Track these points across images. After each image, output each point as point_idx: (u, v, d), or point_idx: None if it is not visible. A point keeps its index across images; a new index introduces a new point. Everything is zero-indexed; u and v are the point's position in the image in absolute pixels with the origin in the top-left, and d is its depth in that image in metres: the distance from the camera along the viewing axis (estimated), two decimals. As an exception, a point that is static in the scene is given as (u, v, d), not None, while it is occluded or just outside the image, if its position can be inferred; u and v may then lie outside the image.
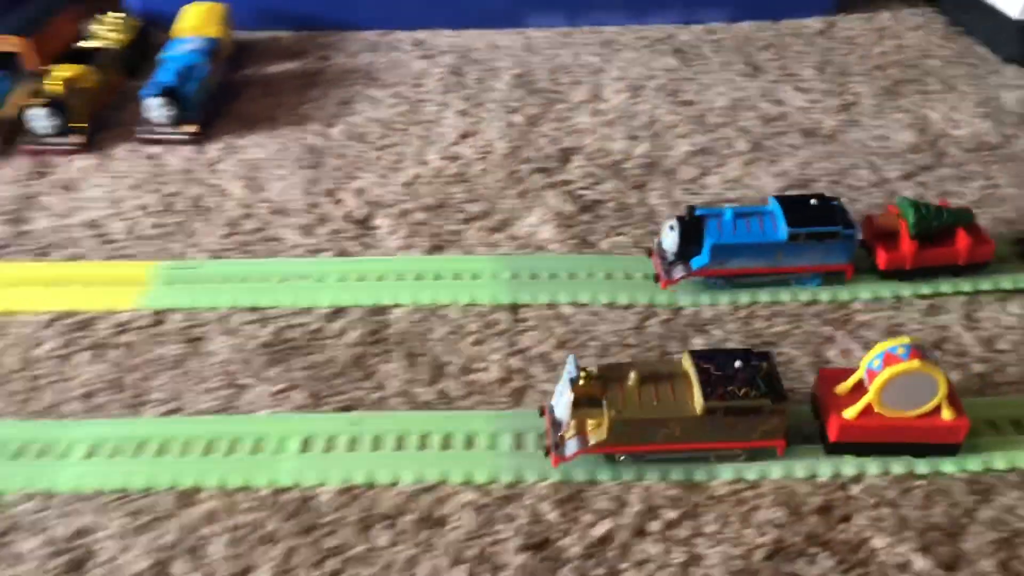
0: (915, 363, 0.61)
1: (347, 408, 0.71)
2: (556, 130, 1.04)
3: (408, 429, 0.68)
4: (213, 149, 1.00)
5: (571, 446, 0.63)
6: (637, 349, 0.76)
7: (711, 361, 0.63)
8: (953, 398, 0.64)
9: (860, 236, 0.80)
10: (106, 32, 1.13)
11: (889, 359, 0.62)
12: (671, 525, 0.62)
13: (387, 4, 1.24)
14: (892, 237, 0.80)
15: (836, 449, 0.65)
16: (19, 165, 0.98)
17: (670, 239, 0.79)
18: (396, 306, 0.80)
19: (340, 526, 0.62)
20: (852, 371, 0.66)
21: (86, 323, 0.78)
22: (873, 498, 0.63)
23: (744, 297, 0.80)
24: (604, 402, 0.62)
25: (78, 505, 0.63)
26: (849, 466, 0.65)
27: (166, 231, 0.89)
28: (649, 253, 0.83)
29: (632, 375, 0.63)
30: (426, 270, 0.83)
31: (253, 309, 0.80)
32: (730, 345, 0.76)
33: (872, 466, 0.65)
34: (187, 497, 0.64)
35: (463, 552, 0.61)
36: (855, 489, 0.64)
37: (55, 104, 0.98)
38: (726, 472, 0.65)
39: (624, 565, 0.60)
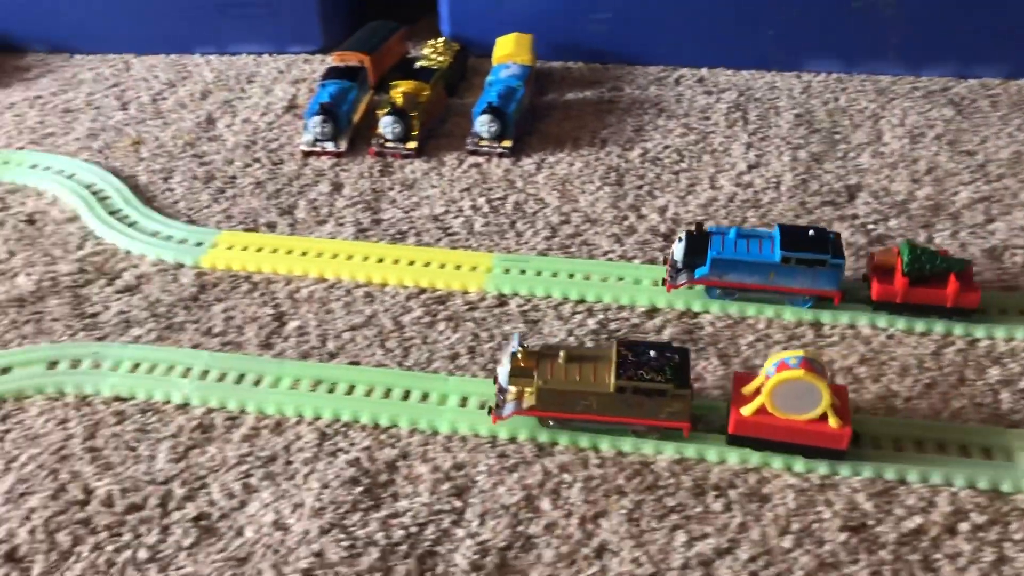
0: (800, 372, 0.70)
1: (669, 393, 0.81)
2: (840, 168, 1.11)
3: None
4: (528, 163, 1.14)
5: (508, 408, 0.76)
6: (934, 374, 0.82)
7: (632, 350, 0.74)
8: (842, 408, 0.72)
9: (852, 267, 0.90)
10: (433, 54, 1.30)
11: (781, 367, 0.71)
12: (980, 528, 0.69)
13: (671, 42, 1.35)
14: (889, 273, 0.87)
15: (735, 441, 0.75)
16: (368, 164, 1.15)
17: (679, 249, 0.89)
18: (706, 312, 0.90)
19: (677, 489, 0.72)
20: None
21: (443, 298, 0.92)
22: None
23: (1020, 333, 0.85)
24: (535, 373, 0.74)
25: (455, 443, 0.77)
26: None
27: (497, 229, 1.03)
28: (665, 261, 0.92)
29: (562, 354, 0.74)
30: (729, 283, 0.93)
31: (580, 301, 0.92)
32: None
33: None
34: (545, 449, 0.76)
35: (789, 525, 0.69)
36: None
37: (399, 113, 1.15)
38: (1032, 488, 0.71)
39: (937, 556, 0.67)
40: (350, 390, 0.81)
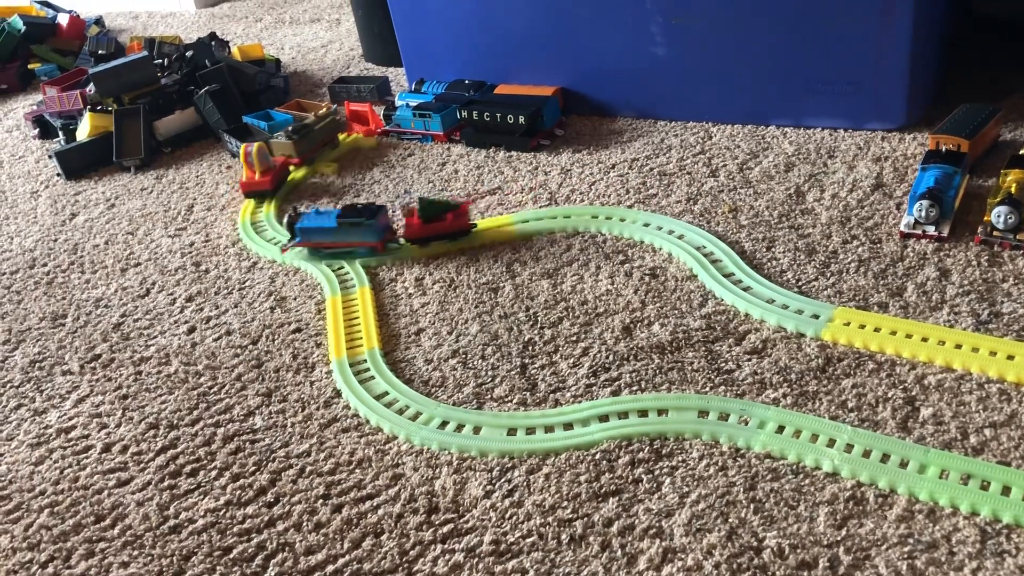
0: None
1: None
2: None
3: None
4: None
5: None
6: None
7: None
8: None
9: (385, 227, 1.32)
10: (1041, 141, 1.25)
11: None
12: None
13: None
14: (412, 216, 1.32)
15: None
16: (973, 251, 1.14)
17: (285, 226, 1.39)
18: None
19: None
20: None
21: (1093, 410, 0.89)
22: None
23: None
24: None
25: None
26: None
27: None
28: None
29: None
30: None
31: None
32: None
33: None
34: None
35: None
36: None
37: (1014, 203, 1.13)
38: None
39: None
40: (1005, 491, 0.81)
